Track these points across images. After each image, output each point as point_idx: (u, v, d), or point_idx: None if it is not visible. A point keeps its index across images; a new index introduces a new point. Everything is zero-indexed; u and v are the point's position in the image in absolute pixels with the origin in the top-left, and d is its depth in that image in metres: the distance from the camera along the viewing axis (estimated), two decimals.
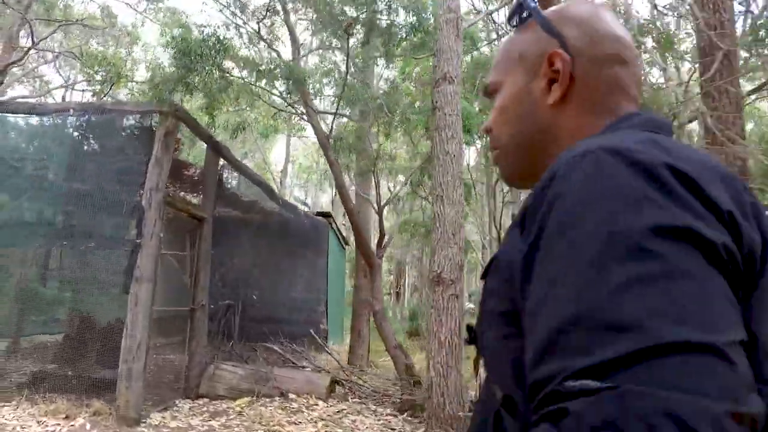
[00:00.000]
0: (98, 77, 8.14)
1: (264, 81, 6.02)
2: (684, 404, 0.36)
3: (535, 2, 0.71)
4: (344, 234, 15.88)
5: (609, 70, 0.65)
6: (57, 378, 5.38)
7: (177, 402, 5.75)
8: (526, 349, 0.46)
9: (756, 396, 0.39)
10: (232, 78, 6.08)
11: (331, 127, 6.35)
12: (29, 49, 10.00)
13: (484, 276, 0.62)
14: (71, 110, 5.46)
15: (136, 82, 11.20)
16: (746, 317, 0.44)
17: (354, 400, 6.07)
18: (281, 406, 5.63)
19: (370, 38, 5.46)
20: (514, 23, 0.73)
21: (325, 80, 7.16)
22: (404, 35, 5.56)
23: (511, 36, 0.75)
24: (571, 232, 0.45)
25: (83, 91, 13.61)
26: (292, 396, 5.90)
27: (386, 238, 6.70)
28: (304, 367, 6.75)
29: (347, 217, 6.35)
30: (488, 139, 0.76)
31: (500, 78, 0.73)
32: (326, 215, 13.36)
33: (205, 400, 5.94)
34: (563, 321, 0.42)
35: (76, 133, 5.47)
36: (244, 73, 6.31)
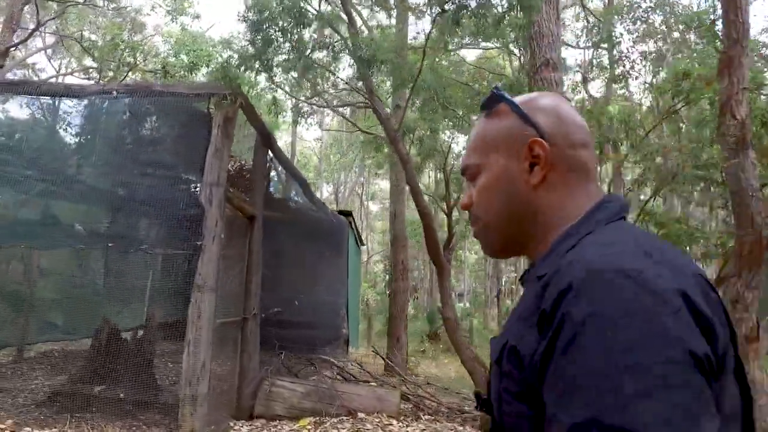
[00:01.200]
0: (112, 64, 7.40)
1: (338, 62, 5.35)
2: None
3: (509, 94, 0.81)
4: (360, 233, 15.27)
5: (578, 154, 0.78)
6: (104, 401, 4.69)
7: (232, 425, 5.10)
8: (548, 427, 0.57)
9: None
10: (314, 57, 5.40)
11: (402, 118, 5.72)
12: (34, 29, 9.17)
13: (498, 360, 0.71)
14: (114, 92, 4.75)
15: (153, 71, 10.40)
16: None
17: (426, 417, 5.48)
18: (354, 429, 5.00)
19: (460, 18, 4.83)
20: (487, 110, 0.83)
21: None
22: (501, 13, 4.88)
23: (484, 122, 0.84)
24: (612, 350, 0.54)
25: (87, 80, 12.75)
26: (361, 415, 5.29)
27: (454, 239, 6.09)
28: (365, 381, 6.12)
29: (421, 218, 5.71)
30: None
31: (480, 161, 0.82)
32: (347, 213, 12.77)
33: (262, 421, 5.29)
34: (583, 420, 0.53)
35: (119, 119, 4.76)
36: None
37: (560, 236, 0.74)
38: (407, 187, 9.76)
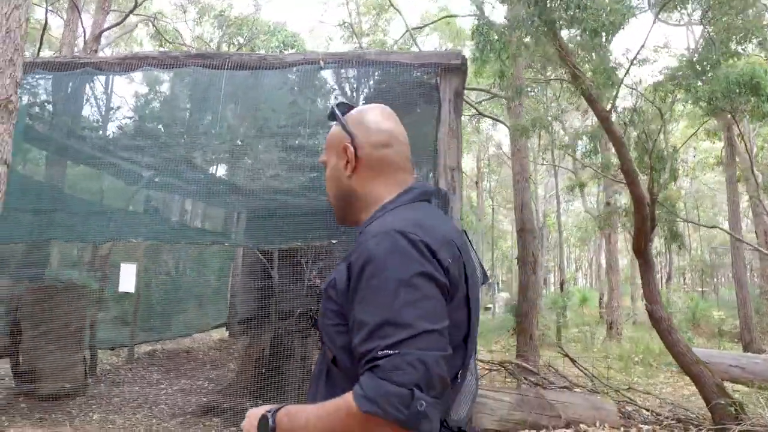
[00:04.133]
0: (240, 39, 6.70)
1: None
2: (425, 355, 0.85)
3: (341, 111, 1.19)
4: None
5: (381, 152, 1.13)
6: None
7: None
8: (352, 335, 0.94)
9: (450, 347, 0.92)
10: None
11: (615, 96, 4.98)
12: (130, 12, 8.46)
13: (326, 289, 1.06)
14: (321, 62, 4.08)
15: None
16: (449, 311, 0.95)
17: (647, 429, 4.88)
18: None
19: None
20: (331, 121, 1.20)
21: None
22: None
23: (333, 128, 1.20)
24: (381, 276, 0.92)
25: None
26: (583, 426, 4.69)
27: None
28: (567, 387, 5.51)
29: (635, 206, 5.02)
30: None
31: (326, 157, 1.21)
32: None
33: None
34: (379, 323, 0.89)
35: (323, 93, 4.08)
36: None
37: (377, 210, 1.10)
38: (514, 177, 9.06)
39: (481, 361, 6.66)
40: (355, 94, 4.12)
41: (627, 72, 5.06)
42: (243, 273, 11.29)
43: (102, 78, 4.59)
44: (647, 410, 5.20)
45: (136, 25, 12.45)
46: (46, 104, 5.15)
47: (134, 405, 5.93)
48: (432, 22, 12.72)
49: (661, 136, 5.26)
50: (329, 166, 1.19)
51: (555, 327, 13.33)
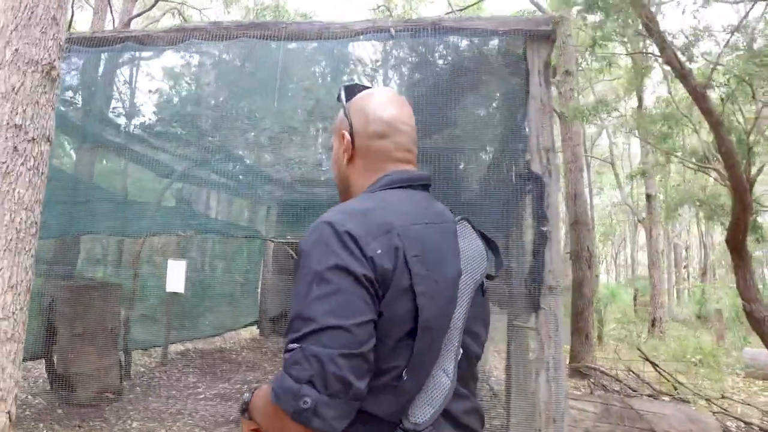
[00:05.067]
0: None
1: None
2: (321, 352, 0.83)
3: (349, 94, 1.17)
4: None
5: (375, 143, 1.11)
6: None
7: None
8: None
9: (367, 346, 0.87)
10: None
11: (712, 71, 4.42)
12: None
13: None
14: (390, 30, 3.59)
15: None
16: (383, 305, 0.91)
17: None
18: None
19: None
20: (339, 103, 1.19)
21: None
22: None
23: (340, 111, 1.19)
24: (303, 268, 0.92)
25: None
26: None
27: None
28: (653, 395, 4.98)
29: (734, 195, 4.48)
30: None
31: (333, 140, 1.20)
32: None
33: None
34: (293, 316, 0.89)
35: (400, 61, 3.60)
36: None
37: None
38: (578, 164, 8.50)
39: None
40: (422, 66, 3.63)
41: (727, 43, 4.48)
42: (274, 269, 10.91)
43: (146, 54, 4.14)
44: (747, 423, 4.65)
45: (163, 14, 12.08)
46: (79, 87, 4.74)
47: (173, 411, 5.55)
48: (474, 3, 12.09)
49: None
50: (333, 150, 1.19)
51: (596, 326, 12.75)
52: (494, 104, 3.54)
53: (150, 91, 4.84)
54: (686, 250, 32.58)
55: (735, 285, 4.80)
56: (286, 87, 4.37)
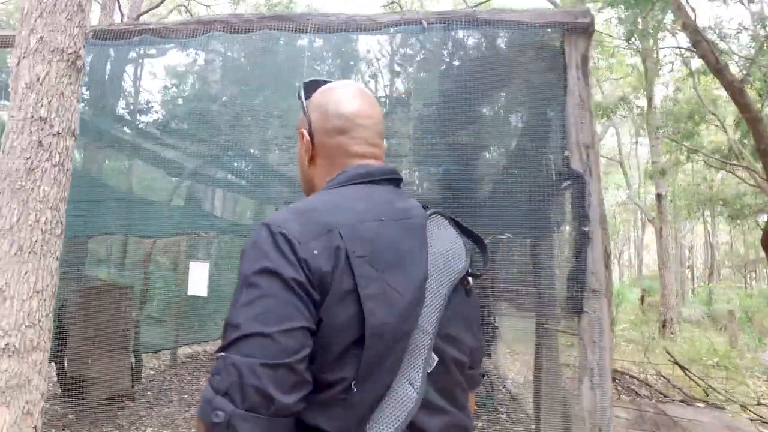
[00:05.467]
0: None
1: None
2: (240, 361, 0.77)
3: (305, 94, 1.10)
4: None
5: (334, 139, 1.03)
6: None
7: None
8: None
9: (296, 355, 0.79)
10: None
11: (751, 65, 4.27)
12: None
13: None
14: (422, 22, 3.44)
15: None
16: (323, 310, 0.83)
17: None
18: None
19: None
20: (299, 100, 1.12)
21: None
22: None
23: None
24: (239, 273, 0.86)
25: None
26: None
27: None
28: (685, 401, 4.83)
29: None
30: None
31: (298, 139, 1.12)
32: None
33: None
34: (225, 323, 0.83)
35: (430, 54, 3.45)
36: None
37: None
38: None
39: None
40: (455, 61, 3.48)
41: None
42: None
43: (163, 47, 3.99)
44: None
45: (170, 12, 11.94)
46: (90, 84, 4.59)
47: (187, 417, 5.40)
48: (484, 1, 11.94)
49: None
50: (298, 149, 1.12)
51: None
52: (530, 99, 3.39)
53: (165, 87, 4.69)
54: (689, 251, 32.49)
55: (743, 286, 4.64)
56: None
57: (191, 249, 8.00)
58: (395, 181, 1.05)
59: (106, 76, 4.02)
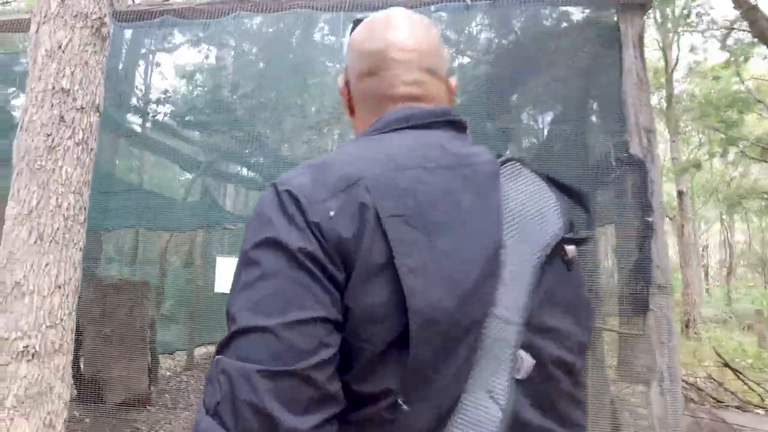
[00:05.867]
0: None
1: None
2: (233, 367, 0.56)
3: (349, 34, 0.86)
4: None
5: (366, 83, 0.80)
6: None
7: None
8: None
9: (311, 359, 0.56)
10: None
11: None
12: None
13: None
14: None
15: None
16: (348, 293, 0.59)
17: None
18: None
19: None
20: None
21: None
22: None
23: None
24: (241, 247, 0.64)
25: None
26: None
27: None
28: (740, 407, 4.53)
29: None
30: None
31: None
32: None
33: None
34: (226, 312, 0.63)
35: (476, 33, 3.20)
36: None
37: None
38: None
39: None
40: (501, 40, 3.22)
41: None
42: None
43: (186, 29, 3.77)
44: None
45: None
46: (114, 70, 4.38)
47: None
48: None
49: None
50: None
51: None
52: (583, 80, 3.12)
53: (184, 75, 4.46)
54: (704, 249, 32.01)
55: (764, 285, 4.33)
56: (333, 66, 3.98)
57: (212, 243, 7.78)
58: (453, 124, 0.76)
59: (129, 60, 3.79)
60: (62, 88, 1.84)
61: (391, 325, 0.59)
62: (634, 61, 3.14)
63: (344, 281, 0.60)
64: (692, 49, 12.26)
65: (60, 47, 1.85)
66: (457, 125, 0.77)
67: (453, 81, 0.86)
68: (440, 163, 0.67)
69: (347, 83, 0.84)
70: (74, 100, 1.86)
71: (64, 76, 1.84)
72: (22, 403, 1.60)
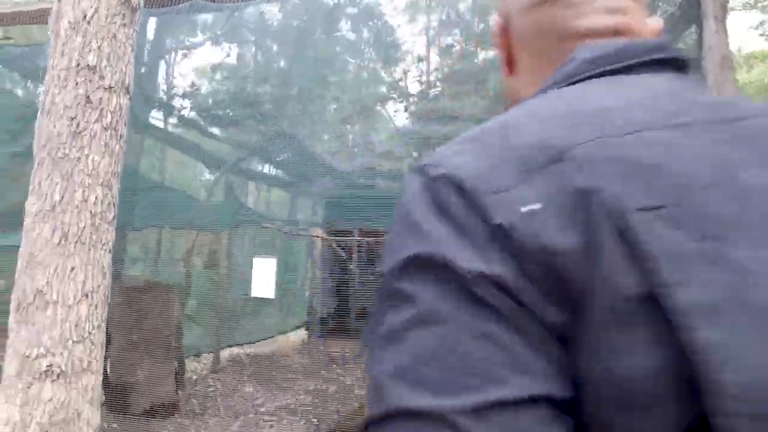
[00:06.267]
0: None
1: None
2: None
3: None
4: None
5: (540, 14, 0.53)
6: None
7: None
8: None
9: None
10: None
11: None
12: None
13: None
14: None
15: None
16: (579, 350, 0.34)
17: None
18: None
19: None
20: None
21: None
22: None
23: None
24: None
25: None
26: None
27: None
28: None
29: None
30: None
31: None
32: None
33: None
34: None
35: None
36: None
37: None
38: None
39: None
40: None
41: None
42: (323, 268, 10.33)
43: (215, 13, 3.53)
44: None
45: None
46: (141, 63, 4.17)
47: (235, 430, 4.96)
48: None
49: None
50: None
51: None
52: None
53: (205, 73, 4.24)
54: None
55: None
56: (372, 50, 3.71)
57: (229, 244, 7.61)
58: (672, 64, 0.48)
59: (156, 49, 3.58)
60: (88, 65, 1.59)
61: (668, 413, 0.32)
62: (715, 37, 2.80)
63: (569, 328, 0.34)
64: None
65: (85, 18, 1.61)
66: (680, 65, 0.49)
67: (654, 21, 0.55)
68: (699, 119, 0.39)
69: (506, 23, 0.59)
70: (101, 78, 1.62)
71: (90, 50, 1.60)
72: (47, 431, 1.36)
